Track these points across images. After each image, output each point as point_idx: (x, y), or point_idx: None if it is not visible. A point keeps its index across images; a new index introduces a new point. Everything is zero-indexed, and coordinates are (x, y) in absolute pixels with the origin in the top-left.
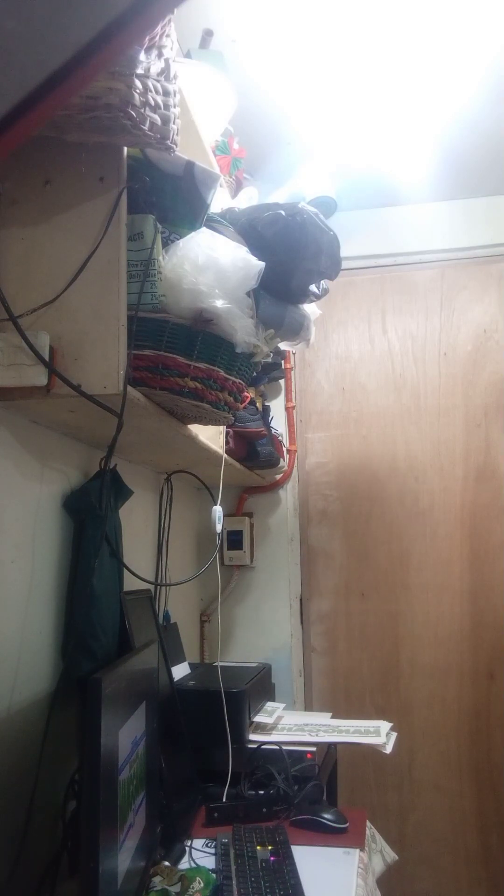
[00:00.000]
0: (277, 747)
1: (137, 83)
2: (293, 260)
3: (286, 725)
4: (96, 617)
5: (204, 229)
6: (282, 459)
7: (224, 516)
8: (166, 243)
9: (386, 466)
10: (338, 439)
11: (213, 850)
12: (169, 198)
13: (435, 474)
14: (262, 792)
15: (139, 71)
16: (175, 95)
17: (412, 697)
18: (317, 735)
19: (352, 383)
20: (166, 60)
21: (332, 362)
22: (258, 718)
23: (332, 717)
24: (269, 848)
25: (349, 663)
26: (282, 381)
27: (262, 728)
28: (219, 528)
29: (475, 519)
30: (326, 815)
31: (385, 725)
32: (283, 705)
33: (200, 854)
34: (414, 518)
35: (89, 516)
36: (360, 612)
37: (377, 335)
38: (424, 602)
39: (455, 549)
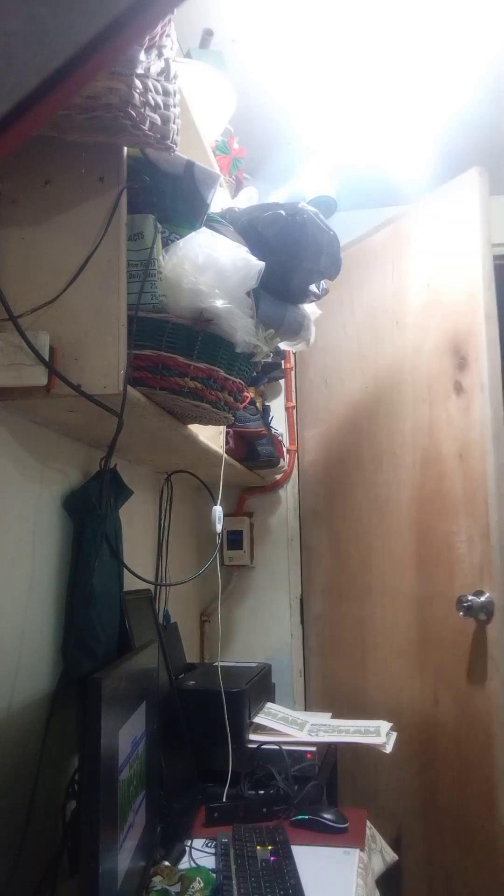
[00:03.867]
0: (277, 747)
1: (137, 83)
2: (293, 260)
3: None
4: (96, 617)
5: (204, 229)
6: (282, 459)
7: (224, 516)
8: (166, 243)
9: (353, 458)
10: (323, 435)
11: (213, 850)
12: (169, 198)
13: (388, 462)
14: (262, 792)
15: (139, 71)
16: (175, 95)
17: (377, 713)
18: (317, 735)
19: (333, 375)
20: (166, 60)
21: (318, 356)
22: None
23: (332, 717)
24: (269, 848)
25: (333, 667)
26: (282, 381)
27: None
28: (219, 528)
29: (421, 513)
30: (326, 815)
31: (385, 725)
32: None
33: (200, 854)
34: (374, 513)
35: (89, 516)
36: (339, 616)
37: (348, 318)
38: (381, 607)
39: (406, 548)
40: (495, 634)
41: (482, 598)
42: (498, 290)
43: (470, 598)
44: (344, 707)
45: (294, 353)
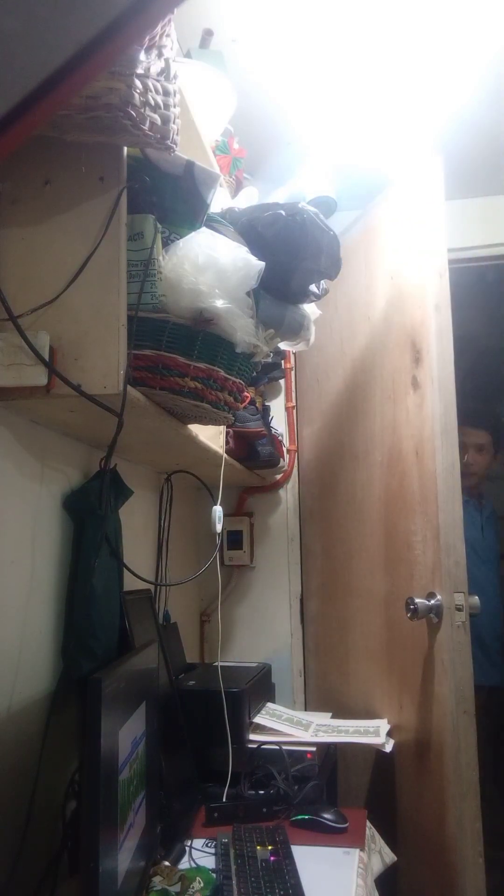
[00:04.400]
0: (277, 747)
1: (137, 83)
2: (293, 260)
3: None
4: (96, 617)
5: (204, 229)
6: (282, 459)
7: (224, 516)
8: (166, 243)
9: (337, 457)
10: (315, 434)
11: (213, 850)
12: (169, 198)
13: (363, 461)
14: (262, 792)
15: (139, 71)
16: (175, 95)
17: (358, 716)
18: (317, 735)
19: (322, 373)
20: (166, 60)
21: (312, 355)
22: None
23: (332, 717)
24: (269, 848)
25: (325, 667)
26: (282, 381)
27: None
28: (219, 528)
29: (388, 513)
30: (326, 815)
31: (385, 726)
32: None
33: (200, 854)
34: (352, 513)
35: (89, 516)
36: (329, 617)
37: (333, 315)
38: (358, 609)
39: (378, 549)
40: (443, 638)
41: (432, 601)
42: (471, 291)
43: (417, 600)
44: (336, 708)
45: (294, 353)
